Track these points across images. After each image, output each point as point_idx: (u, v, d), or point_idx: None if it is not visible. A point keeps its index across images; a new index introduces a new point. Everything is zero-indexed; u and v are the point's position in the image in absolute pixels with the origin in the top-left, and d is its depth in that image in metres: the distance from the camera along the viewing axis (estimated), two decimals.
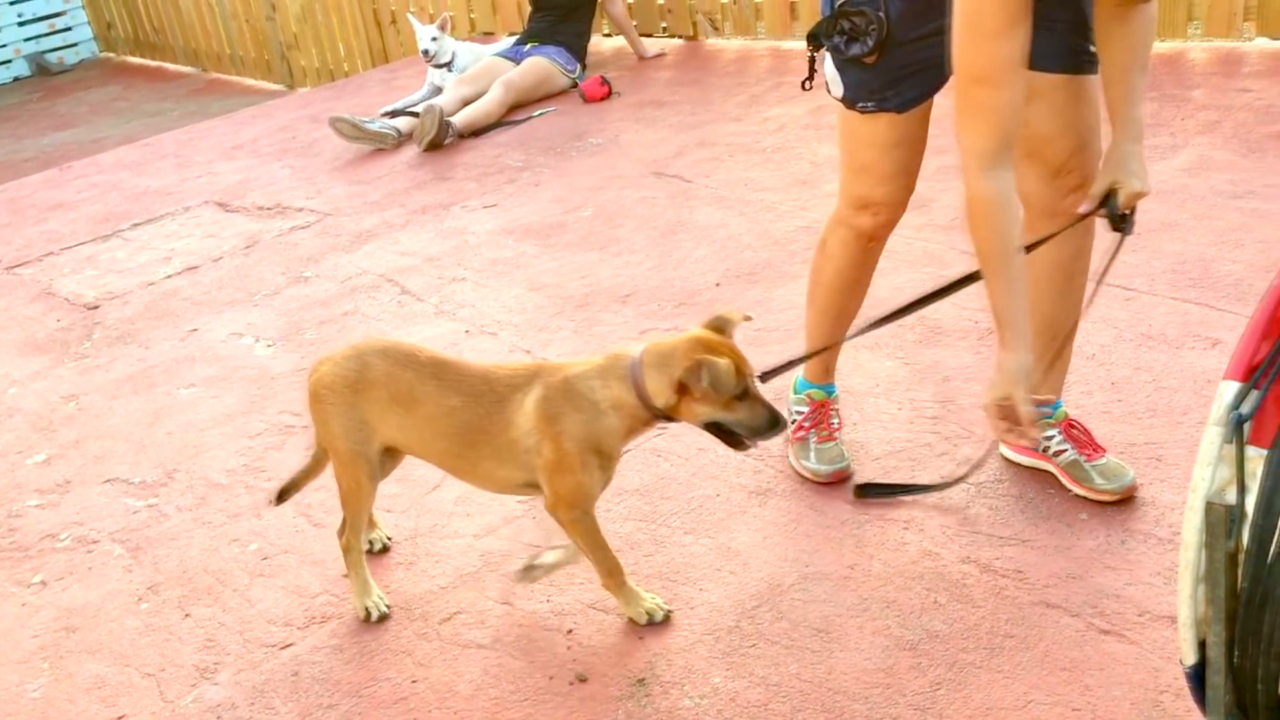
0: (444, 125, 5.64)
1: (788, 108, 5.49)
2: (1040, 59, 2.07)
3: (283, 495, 2.52)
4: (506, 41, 6.72)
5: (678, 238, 4.21)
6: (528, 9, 6.65)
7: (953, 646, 2.11)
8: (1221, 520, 1.43)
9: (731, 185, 4.65)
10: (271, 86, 9.48)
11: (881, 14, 2.15)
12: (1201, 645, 1.53)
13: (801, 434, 2.69)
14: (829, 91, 2.36)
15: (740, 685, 2.11)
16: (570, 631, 2.31)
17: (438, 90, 6.39)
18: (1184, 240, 3.49)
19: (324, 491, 2.93)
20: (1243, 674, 1.49)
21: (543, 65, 6.26)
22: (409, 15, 6.97)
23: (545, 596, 2.43)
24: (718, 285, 3.77)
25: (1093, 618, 2.12)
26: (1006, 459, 2.59)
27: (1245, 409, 1.42)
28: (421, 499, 2.84)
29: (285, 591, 2.58)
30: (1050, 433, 2.48)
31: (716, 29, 6.95)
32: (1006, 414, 2.06)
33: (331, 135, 5.99)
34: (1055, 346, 2.41)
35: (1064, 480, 2.47)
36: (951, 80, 2.06)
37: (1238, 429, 1.42)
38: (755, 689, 2.09)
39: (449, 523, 2.73)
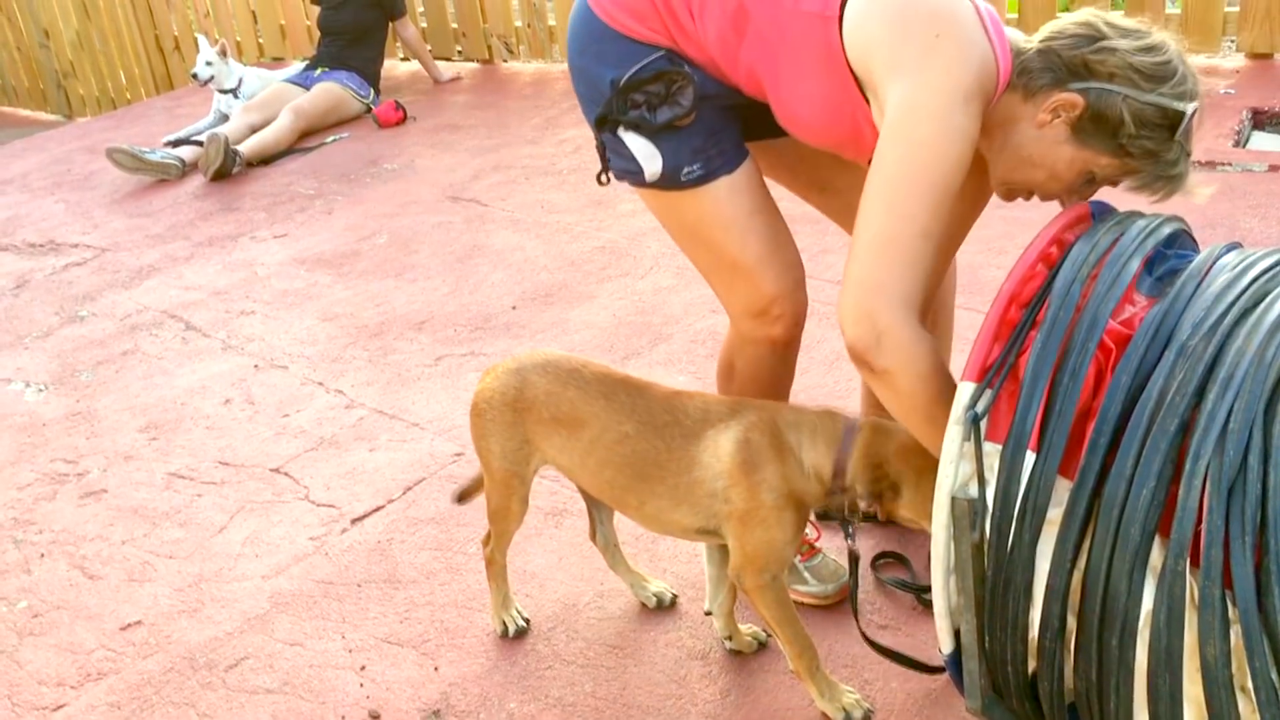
0: (230, 154, 5.46)
1: (584, 129, 5.54)
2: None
3: (462, 497, 2.36)
4: (296, 67, 6.57)
5: (474, 262, 4.19)
6: (318, 34, 6.52)
7: (742, 653, 2.16)
8: (966, 513, 1.51)
9: (528, 208, 4.66)
10: (48, 117, 9.01)
11: (686, 68, 1.90)
12: (957, 633, 1.62)
13: None
14: (639, 180, 2.01)
15: (536, 708, 2.10)
16: (363, 668, 2.26)
17: (224, 118, 6.19)
18: None
19: (99, 541, 2.79)
20: (994, 658, 1.58)
21: (334, 90, 6.14)
22: (199, 35, 6.73)
23: (339, 633, 2.37)
24: (514, 308, 3.77)
25: (871, 614, 2.21)
26: None
27: (980, 408, 1.50)
28: (206, 542, 2.73)
29: (58, 650, 2.44)
30: None
31: (512, 52, 6.97)
32: None
33: (110, 167, 5.72)
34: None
35: None
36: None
37: (974, 427, 1.50)
38: (551, 711, 2.09)
39: (236, 565, 2.63)
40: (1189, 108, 1.68)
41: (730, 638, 2.15)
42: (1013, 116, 1.76)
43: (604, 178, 2.07)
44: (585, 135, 5.44)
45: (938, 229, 1.69)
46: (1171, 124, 1.68)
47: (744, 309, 2.09)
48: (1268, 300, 1.46)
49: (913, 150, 1.67)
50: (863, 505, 1.85)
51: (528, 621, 2.31)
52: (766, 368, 2.16)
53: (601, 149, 2.04)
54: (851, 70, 1.78)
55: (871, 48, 1.74)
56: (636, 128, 1.94)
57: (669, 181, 1.98)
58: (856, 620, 1.96)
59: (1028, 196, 1.85)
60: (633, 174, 2.01)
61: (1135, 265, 1.56)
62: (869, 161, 1.75)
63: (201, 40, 6.32)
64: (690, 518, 1.95)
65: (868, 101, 1.79)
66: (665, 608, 2.30)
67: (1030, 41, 1.77)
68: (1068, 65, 1.70)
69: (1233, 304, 1.46)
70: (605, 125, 1.97)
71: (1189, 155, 1.74)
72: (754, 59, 1.87)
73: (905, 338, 1.65)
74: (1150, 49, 1.68)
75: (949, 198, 1.68)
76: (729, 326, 2.19)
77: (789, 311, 2.06)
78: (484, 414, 2.09)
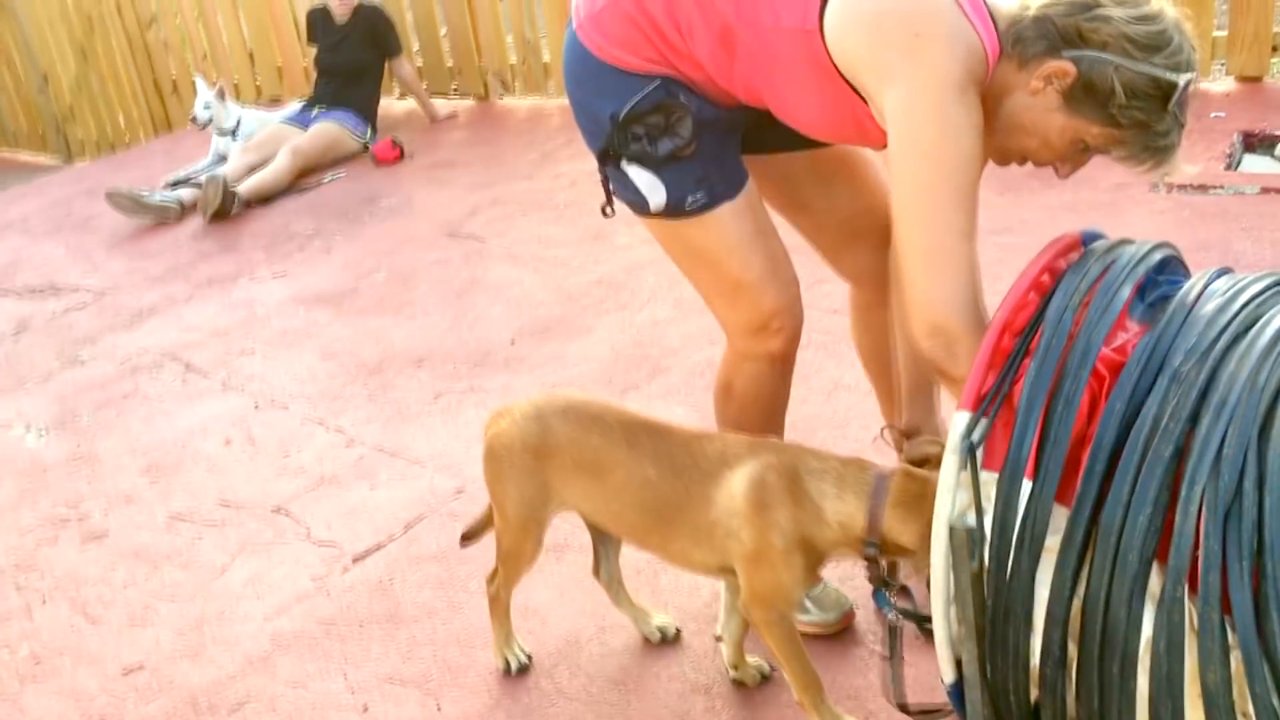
0: (229, 195, 5.50)
1: (579, 163, 5.56)
2: (816, 140, 2.10)
3: (466, 538, 2.33)
4: (294, 107, 6.61)
5: (472, 297, 4.21)
6: (315, 74, 6.56)
7: (744, 685, 2.15)
8: (964, 543, 1.51)
9: (525, 242, 4.68)
10: (48, 161, 9.05)
11: (683, 100, 1.92)
12: (959, 663, 1.62)
13: None
14: (644, 210, 2.03)
15: None
16: (366, 708, 2.25)
17: (222, 159, 6.23)
18: None
19: (101, 585, 2.79)
20: (996, 687, 1.58)
21: (331, 130, 6.18)
22: (197, 77, 6.78)
23: (341, 673, 2.36)
24: (513, 343, 3.78)
25: (875, 644, 2.20)
26: None
27: (976, 437, 1.51)
28: (208, 583, 2.72)
29: (60, 696, 2.43)
30: None
31: (507, 88, 7.01)
32: None
33: (110, 209, 5.75)
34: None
35: None
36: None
37: (970, 455, 1.51)
38: None
39: (238, 606, 2.63)
40: (1182, 79, 1.66)
41: (736, 667, 2.15)
42: (1007, 84, 1.76)
43: (609, 209, 2.08)
44: (581, 169, 5.46)
45: (972, 225, 1.72)
46: (1164, 95, 1.67)
47: (745, 325, 2.10)
48: (1259, 325, 1.47)
49: (922, 160, 1.70)
50: (921, 575, 1.82)
51: (530, 658, 2.30)
52: (766, 384, 2.17)
53: (605, 180, 2.05)
54: (843, 76, 1.80)
55: (855, 58, 1.76)
56: (639, 160, 1.96)
57: (674, 211, 2.00)
58: (892, 695, 1.88)
59: (1021, 163, 1.86)
60: (637, 204, 2.03)
61: (1127, 292, 1.57)
62: (882, 147, 1.78)
63: (200, 83, 6.37)
64: (711, 557, 1.95)
65: (865, 100, 1.81)
66: (669, 642, 2.30)
67: (1027, 8, 1.76)
68: (1061, 32, 1.70)
69: (1224, 329, 1.47)
70: (608, 159, 1.99)
71: (1183, 127, 1.73)
72: (748, 74, 1.89)
73: (974, 345, 1.67)
74: (1145, 18, 1.67)
75: (973, 191, 1.71)
76: (726, 348, 2.20)
77: (789, 325, 2.09)
78: (502, 459, 2.08)
